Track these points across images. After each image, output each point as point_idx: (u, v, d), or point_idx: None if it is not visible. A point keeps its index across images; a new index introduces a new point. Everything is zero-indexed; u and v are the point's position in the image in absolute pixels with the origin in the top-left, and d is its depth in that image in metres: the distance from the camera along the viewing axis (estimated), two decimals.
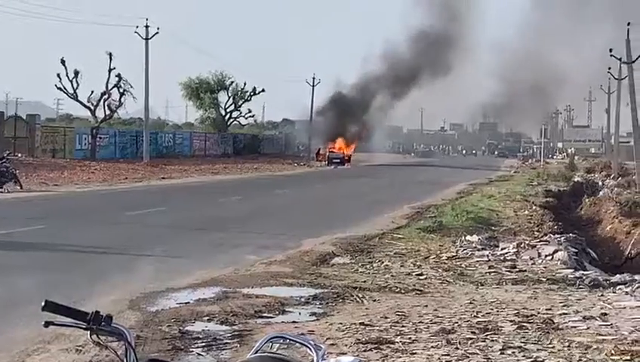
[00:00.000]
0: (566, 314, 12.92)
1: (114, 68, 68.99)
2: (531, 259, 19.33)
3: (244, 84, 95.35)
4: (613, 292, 15.29)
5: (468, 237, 22.49)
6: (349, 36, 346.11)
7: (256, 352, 4.52)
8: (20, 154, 55.91)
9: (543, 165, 73.02)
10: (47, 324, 4.00)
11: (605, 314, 12.97)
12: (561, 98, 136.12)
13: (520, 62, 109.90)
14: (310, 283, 15.70)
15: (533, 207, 34.32)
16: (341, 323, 11.96)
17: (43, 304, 3.93)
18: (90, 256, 18.50)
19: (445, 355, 10.16)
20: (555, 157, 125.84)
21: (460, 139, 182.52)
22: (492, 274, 17.24)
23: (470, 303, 13.72)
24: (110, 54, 68.61)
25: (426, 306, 13.41)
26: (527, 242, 21.74)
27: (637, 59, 50.66)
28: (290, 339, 4.63)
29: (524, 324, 11.91)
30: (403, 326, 11.80)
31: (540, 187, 49.57)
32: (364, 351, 10.34)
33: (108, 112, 70.15)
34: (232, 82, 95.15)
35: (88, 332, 3.96)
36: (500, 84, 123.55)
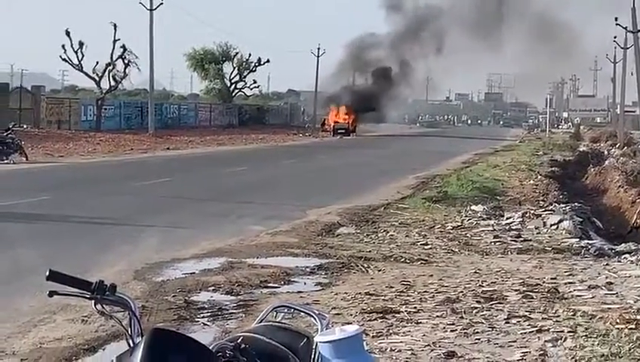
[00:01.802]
0: (571, 283, 12.93)
1: (119, 39, 69.02)
2: (536, 229, 19.34)
3: (249, 54, 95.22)
4: (619, 261, 15.30)
5: (473, 207, 22.48)
6: (355, 5, 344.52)
7: (260, 321, 4.54)
8: (25, 126, 55.97)
9: (548, 135, 72.80)
10: (51, 294, 4.01)
11: (610, 283, 12.98)
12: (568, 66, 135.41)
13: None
14: (315, 253, 15.73)
15: (539, 177, 34.29)
16: (346, 293, 11.98)
17: (47, 273, 3.94)
18: (95, 226, 18.53)
19: (450, 324, 10.18)
20: (560, 126, 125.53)
21: (465, 109, 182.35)
22: (497, 243, 17.24)
23: (475, 272, 13.73)
24: (115, 25, 68.56)
25: (431, 276, 13.42)
26: (532, 211, 21.74)
27: None
28: (294, 309, 4.65)
29: (529, 293, 11.92)
30: (408, 296, 11.82)
31: (545, 157, 49.50)
32: (369, 320, 10.36)
33: (113, 83, 70.11)
34: (237, 53, 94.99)
35: (92, 301, 3.97)
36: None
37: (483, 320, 10.39)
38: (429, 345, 9.34)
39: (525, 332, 9.88)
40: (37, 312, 10.61)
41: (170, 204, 22.90)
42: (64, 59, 68.45)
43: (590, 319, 10.40)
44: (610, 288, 12.55)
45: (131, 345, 3.85)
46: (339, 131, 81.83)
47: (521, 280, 12.96)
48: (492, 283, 12.83)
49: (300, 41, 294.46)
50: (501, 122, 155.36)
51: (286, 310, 4.64)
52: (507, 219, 20.70)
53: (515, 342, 9.57)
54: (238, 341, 4.11)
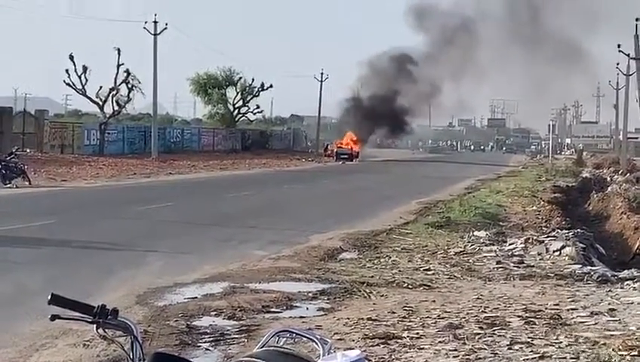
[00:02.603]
0: (574, 309, 12.91)
1: (122, 63, 69.15)
2: (539, 255, 19.31)
3: (252, 79, 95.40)
4: (621, 288, 15.26)
5: (476, 233, 22.48)
6: (358, 32, 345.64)
7: (262, 346, 4.52)
8: (28, 150, 56.01)
9: (551, 161, 72.84)
10: (53, 318, 4.01)
11: (613, 309, 12.95)
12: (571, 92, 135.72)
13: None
14: (318, 278, 15.72)
15: (541, 203, 34.28)
16: (348, 318, 11.97)
17: (49, 297, 3.94)
18: (98, 251, 18.54)
19: (453, 350, 10.16)
20: (563, 153, 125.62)
21: (468, 134, 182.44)
22: (500, 269, 17.23)
23: (478, 298, 13.71)
24: (118, 50, 68.75)
25: (434, 301, 13.41)
26: (535, 237, 21.71)
27: None
28: (296, 333, 4.63)
29: (532, 319, 11.90)
30: (410, 321, 11.80)
31: (548, 183, 49.50)
32: (372, 346, 10.35)
33: (116, 108, 70.23)
34: (240, 78, 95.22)
35: (94, 326, 3.96)
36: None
37: (485, 346, 10.37)
38: None
39: (528, 359, 9.86)
40: (39, 336, 10.60)
41: (173, 228, 22.90)
42: (68, 84, 68.61)
43: (593, 345, 10.38)
44: (613, 315, 12.53)
45: None
46: (342, 156, 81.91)
47: (524, 306, 12.94)
48: (495, 309, 12.81)
49: (304, 66, 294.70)
50: (504, 148, 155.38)
51: (288, 335, 4.63)
52: (510, 244, 20.69)
53: None
54: None
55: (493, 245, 20.61)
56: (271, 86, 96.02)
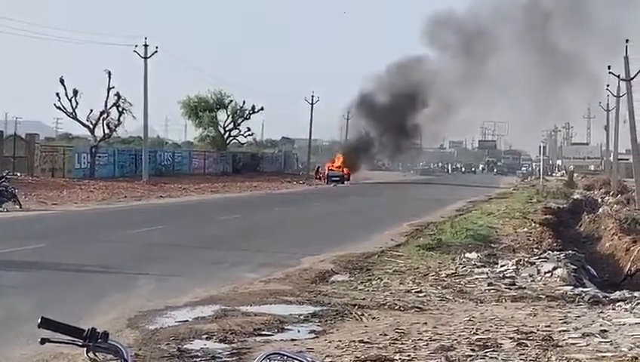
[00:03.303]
0: (565, 331, 12.91)
1: (113, 87, 69.06)
2: (530, 276, 19.31)
3: (243, 102, 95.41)
4: (613, 309, 15.26)
5: (467, 255, 22.47)
6: (349, 54, 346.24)
7: None
8: (19, 174, 55.94)
9: (542, 182, 72.85)
10: (43, 341, 4.00)
11: (605, 330, 12.95)
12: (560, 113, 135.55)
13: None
14: (309, 300, 15.70)
15: (533, 224, 34.29)
16: (340, 341, 11.95)
17: (39, 321, 3.93)
18: (89, 274, 18.48)
19: None
20: (554, 174, 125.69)
21: (459, 156, 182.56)
22: (491, 291, 17.23)
23: (469, 320, 13.70)
24: (109, 73, 68.68)
25: (426, 323, 13.40)
26: (526, 259, 21.72)
27: (635, 76, 50.70)
28: (288, 356, 4.62)
29: (524, 341, 11.89)
30: (402, 344, 11.79)
31: (539, 204, 49.51)
32: None
33: (107, 131, 70.10)
34: (231, 101, 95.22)
35: (85, 349, 3.95)
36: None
37: None
38: None
39: None
40: (30, 360, 10.56)
41: (164, 251, 22.86)
42: (58, 107, 68.52)
43: None
44: (605, 336, 12.52)
45: None
46: (333, 179, 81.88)
47: (516, 328, 12.94)
48: (486, 330, 12.80)
49: (294, 89, 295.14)
50: (495, 170, 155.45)
51: (279, 357, 4.61)
52: (501, 266, 20.69)
53: None
54: None
55: (485, 267, 20.60)
56: (262, 108, 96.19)
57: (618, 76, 54.45)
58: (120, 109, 69.90)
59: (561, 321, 13.76)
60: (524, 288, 17.72)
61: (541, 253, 23.75)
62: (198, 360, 10.99)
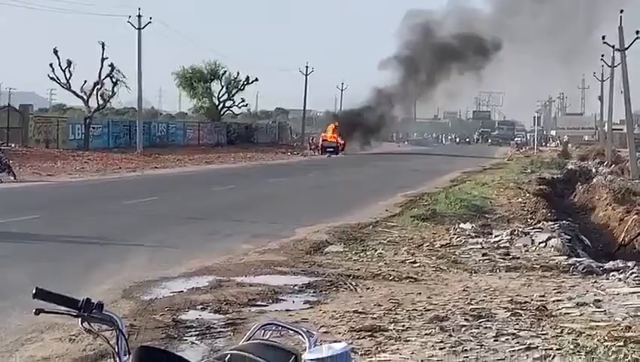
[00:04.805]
0: (559, 300, 12.94)
1: (107, 57, 68.83)
2: (525, 247, 19.34)
3: (238, 73, 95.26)
4: (607, 279, 15.31)
5: (461, 225, 22.51)
6: (345, 27, 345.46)
7: (248, 339, 4.52)
8: (13, 145, 55.82)
9: (536, 153, 72.91)
10: (37, 311, 4.00)
11: (598, 300, 12.99)
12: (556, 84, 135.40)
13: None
14: (304, 271, 15.72)
15: (527, 195, 34.30)
16: (335, 311, 11.97)
17: (34, 291, 3.93)
18: (84, 245, 18.49)
19: (439, 342, 10.18)
20: (548, 145, 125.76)
21: (454, 127, 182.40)
22: (485, 261, 17.25)
23: (464, 290, 13.73)
24: (103, 44, 68.45)
25: (420, 293, 13.42)
26: (520, 229, 21.75)
27: (629, 46, 50.65)
28: (282, 326, 4.63)
29: (518, 311, 11.92)
30: (397, 314, 11.81)
31: (533, 175, 49.53)
32: (358, 338, 10.35)
33: (101, 102, 69.98)
34: (225, 72, 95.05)
35: (79, 319, 3.95)
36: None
37: (472, 338, 10.39)
38: None
39: (514, 350, 9.88)
40: (24, 331, 10.57)
41: (159, 222, 22.86)
42: (52, 78, 68.36)
43: (578, 336, 10.41)
44: (599, 305, 12.57)
45: None
46: (328, 150, 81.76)
47: (510, 298, 12.97)
48: (481, 301, 12.83)
49: (289, 60, 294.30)
50: (489, 140, 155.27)
51: (274, 328, 4.62)
52: (495, 236, 20.71)
53: (503, 359, 9.57)
54: (226, 359, 4.10)
55: (479, 237, 20.62)
56: (256, 79, 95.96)
57: (612, 46, 54.37)
58: (114, 80, 69.82)
59: (555, 291, 13.79)
60: (519, 258, 17.75)
61: (535, 223, 23.79)
62: (192, 330, 11.01)
